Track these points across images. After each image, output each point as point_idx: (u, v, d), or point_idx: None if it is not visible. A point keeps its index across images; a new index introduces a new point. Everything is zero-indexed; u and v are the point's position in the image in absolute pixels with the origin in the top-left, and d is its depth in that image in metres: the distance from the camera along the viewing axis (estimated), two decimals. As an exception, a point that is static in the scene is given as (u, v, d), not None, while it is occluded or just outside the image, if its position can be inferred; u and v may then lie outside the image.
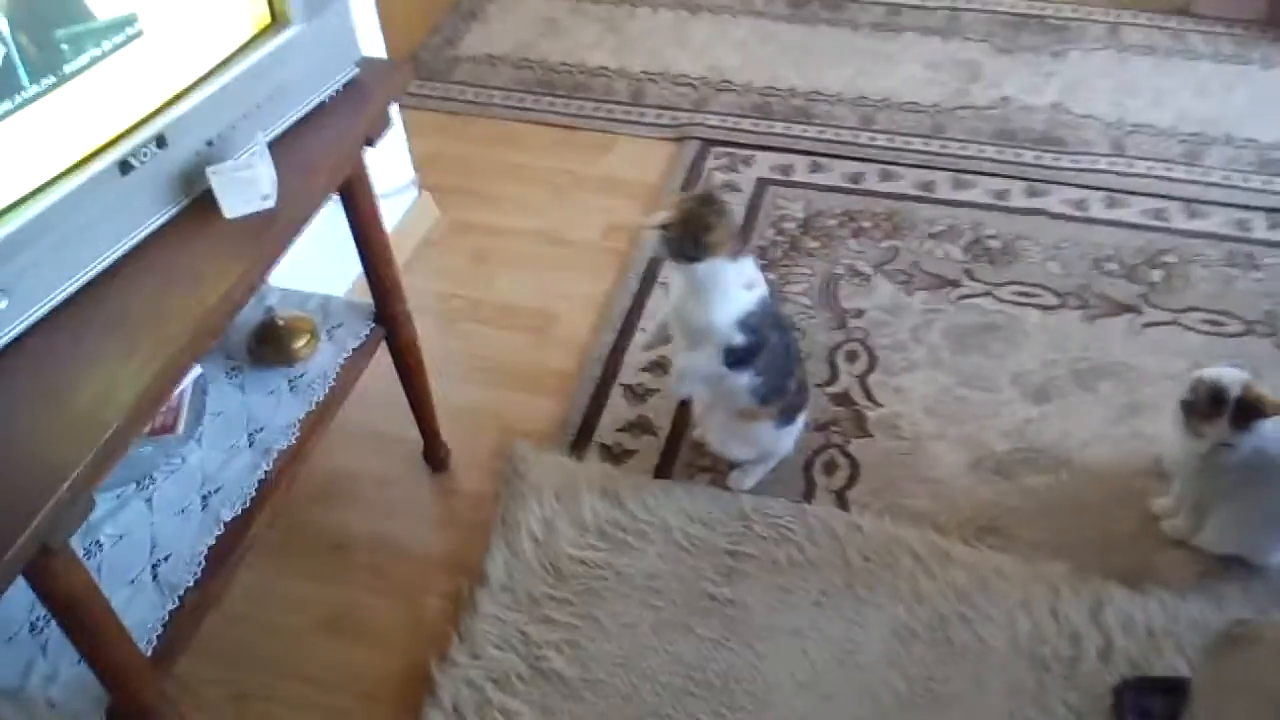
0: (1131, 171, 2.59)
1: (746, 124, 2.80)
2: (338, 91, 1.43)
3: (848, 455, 1.96)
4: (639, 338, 2.20)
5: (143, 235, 1.21)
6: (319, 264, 1.90)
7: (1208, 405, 1.57)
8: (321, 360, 1.63)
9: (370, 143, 1.44)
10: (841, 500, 1.89)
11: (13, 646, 1.29)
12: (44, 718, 1.24)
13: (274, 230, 1.25)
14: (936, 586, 1.73)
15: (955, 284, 2.29)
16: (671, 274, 1.76)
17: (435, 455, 1.94)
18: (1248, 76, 2.89)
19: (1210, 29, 3.07)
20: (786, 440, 1.88)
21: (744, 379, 1.71)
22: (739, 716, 1.59)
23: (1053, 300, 2.25)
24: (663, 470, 1.95)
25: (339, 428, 2.03)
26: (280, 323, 1.62)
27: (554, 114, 2.86)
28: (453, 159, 2.69)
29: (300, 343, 1.61)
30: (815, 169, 2.64)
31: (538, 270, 2.39)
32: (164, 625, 1.30)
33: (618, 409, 2.07)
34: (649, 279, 2.33)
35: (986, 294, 2.27)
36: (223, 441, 1.52)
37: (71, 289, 1.15)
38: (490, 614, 1.71)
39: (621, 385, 2.11)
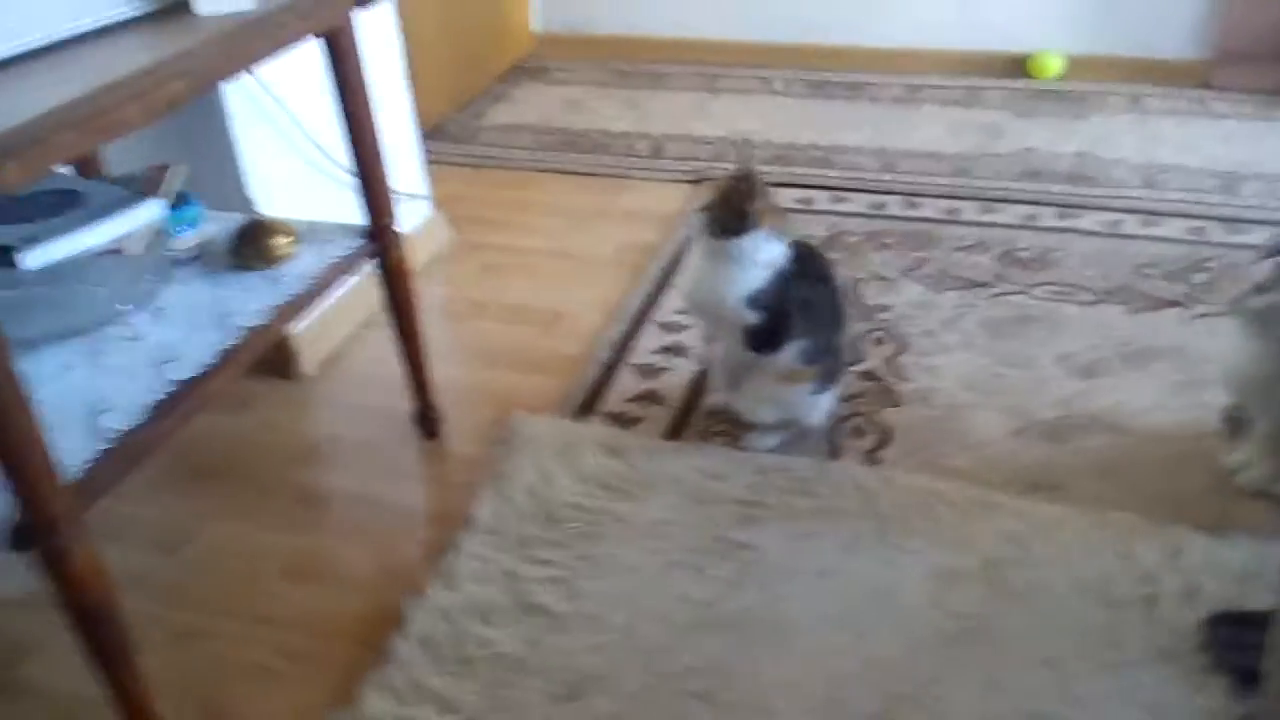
0: (1165, 199, 2.50)
1: (765, 169, 2.77)
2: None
3: (876, 422, 1.78)
4: (652, 328, 2.07)
5: (109, 20, 1.15)
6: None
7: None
8: (302, 263, 1.53)
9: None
10: (871, 461, 1.70)
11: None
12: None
13: (245, 31, 1.18)
14: (983, 532, 1.51)
15: (987, 285, 2.17)
16: (694, 257, 1.65)
17: (426, 417, 1.78)
18: (1275, 129, 2.85)
19: (1232, 98, 3.06)
20: (819, 406, 1.71)
21: (785, 352, 1.60)
22: (758, 651, 1.34)
23: (1091, 297, 2.11)
24: (673, 435, 1.78)
25: (327, 397, 1.93)
26: (262, 220, 1.53)
27: (573, 165, 2.86)
28: (471, 197, 2.67)
29: (281, 240, 1.51)
30: (838, 200, 2.58)
31: (549, 279, 2.30)
32: (89, 463, 1.14)
33: (626, 384, 1.92)
34: (664, 283, 2.23)
35: (1021, 292, 2.14)
36: (186, 323, 1.40)
37: (19, 48, 1.07)
38: (473, 553, 1.51)
39: (631, 365, 1.97)
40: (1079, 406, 1.79)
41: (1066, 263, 2.24)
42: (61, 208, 1.24)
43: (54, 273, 1.21)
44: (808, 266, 1.61)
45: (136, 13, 1.17)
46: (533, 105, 3.28)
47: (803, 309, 1.59)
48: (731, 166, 1.60)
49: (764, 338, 1.59)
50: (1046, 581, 1.43)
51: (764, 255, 1.56)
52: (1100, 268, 2.21)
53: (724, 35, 3.51)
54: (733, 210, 1.55)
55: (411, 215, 2.33)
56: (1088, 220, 2.41)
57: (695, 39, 3.54)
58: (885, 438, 1.74)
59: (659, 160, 2.86)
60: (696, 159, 2.84)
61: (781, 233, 1.58)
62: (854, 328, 1.93)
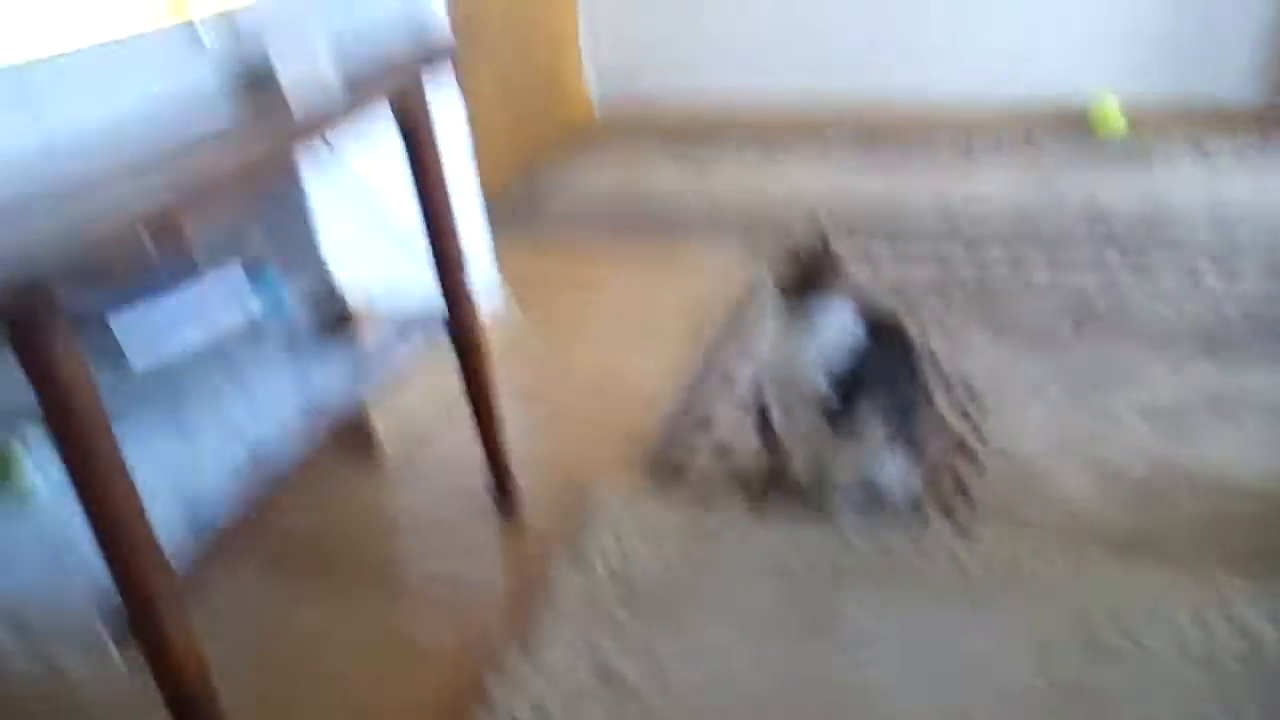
0: (1241, 245, 2.45)
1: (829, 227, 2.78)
2: (405, 26, 1.45)
3: (960, 484, 1.75)
4: (723, 393, 2.07)
5: (202, 111, 1.20)
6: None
7: None
8: (384, 345, 1.56)
9: (431, 62, 1.43)
10: (957, 524, 1.66)
11: (27, 569, 1.17)
12: (42, 631, 1.09)
13: (327, 100, 1.23)
14: (1077, 594, 1.47)
15: (1061, 339, 2.13)
16: (767, 324, 1.69)
17: (505, 493, 1.79)
18: (1351, 170, 2.79)
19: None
20: (900, 473, 1.68)
21: (861, 412, 1.59)
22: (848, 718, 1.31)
23: (1173, 348, 2.06)
24: (752, 505, 1.76)
25: (407, 478, 1.95)
26: (343, 300, 1.57)
27: (636, 234, 2.90)
28: (536, 270, 2.71)
29: (362, 320, 1.55)
30: (902, 258, 2.57)
31: (617, 349, 2.32)
32: (187, 546, 1.16)
33: (703, 453, 1.91)
34: (733, 349, 2.23)
35: (1097, 345, 2.10)
36: (272, 401, 1.43)
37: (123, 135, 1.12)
38: (555, 628, 1.50)
39: (705, 433, 1.96)
40: (1168, 462, 1.74)
41: (1143, 314, 2.20)
42: (164, 295, 1.28)
43: (148, 352, 1.25)
44: (881, 332, 1.60)
45: (226, 84, 1.22)
46: (593, 174, 3.34)
47: (876, 375, 1.58)
48: (800, 231, 1.60)
49: (838, 405, 1.58)
50: (1147, 644, 1.38)
51: (836, 319, 1.57)
52: (1180, 318, 2.16)
53: (780, 98, 3.55)
54: (805, 273, 1.57)
55: (480, 293, 2.36)
56: (1161, 269, 2.37)
57: (751, 104, 3.59)
58: (970, 500, 1.71)
59: (720, 225, 2.88)
60: (758, 223, 2.86)
61: (852, 296, 1.58)
62: (931, 390, 1.89)
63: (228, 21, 1.20)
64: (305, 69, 1.21)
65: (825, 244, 1.60)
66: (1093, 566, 1.51)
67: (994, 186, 2.92)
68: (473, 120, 2.35)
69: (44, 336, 0.93)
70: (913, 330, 1.72)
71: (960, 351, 2.12)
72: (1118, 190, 2.80)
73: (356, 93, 1.27)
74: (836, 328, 1.57)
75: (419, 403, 2.08)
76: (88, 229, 0.92)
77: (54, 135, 1.07)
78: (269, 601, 1.67)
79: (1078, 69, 3.23)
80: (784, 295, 1.59)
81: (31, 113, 1.04)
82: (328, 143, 1.19)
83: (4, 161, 1.04)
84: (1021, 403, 1.94)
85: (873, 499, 1.68)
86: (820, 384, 1.57)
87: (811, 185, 3.07)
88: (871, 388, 1.58)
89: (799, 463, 1.74)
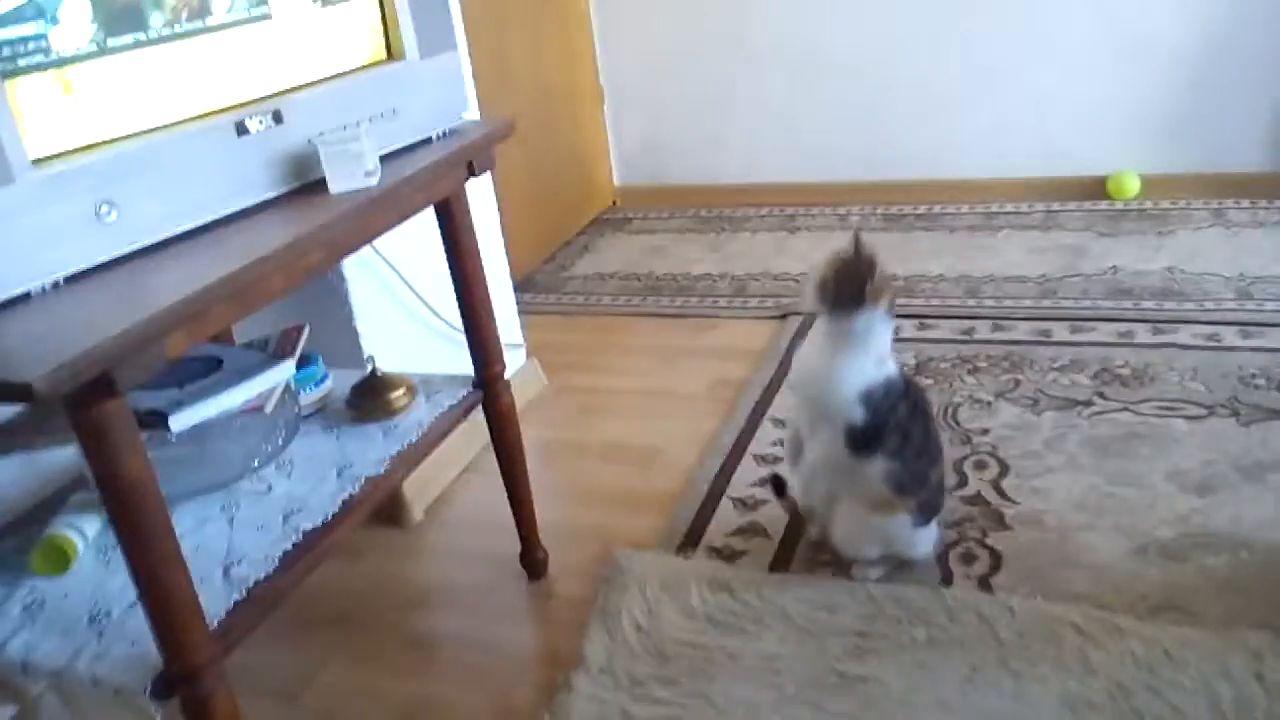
0: (1264, 310, 2.47)
1: (850, 300, 2.82)
2: (445, 133, 1.52)
3: (987, 546, 1.76)
4: (748, 461, 2.09)
5: (251, 201, 1.26)
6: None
7: None
8: (417, 414, 1.60)
9: (473, 171, 1.51)
10: (985, 587, 1.66)
11: (67, 637, 1.20)
12: (86, 696, 1.12)
13: (373, 206, 1.29)
14: (1111, 659, 1.46)
15: (1087, 404, 2.15)
16: (808, 341, 1.66)
17: (532, 558, 1.82)
18: (1371, 235, 2.81)
19: (1320, 206, 3.04)
20: (923, 542, 1.69)
21: (877, 465, 1.59)
22: (882, 790, 1.31)
23: (1200, 411, 2.07)
24: (778, 567, 1.77)
25: (435, 543, 1.98)
26: (379, 375, 1.61)
27: (659, 309, 2.95)
28: (562, 344, 2.76)
29: (397, 393, 1.60)
30: (924, 328, 2.60)
31: (643, 417, 2.36)
32: (228, 613, 1.19)
33: (726, 518, 1.93)
34: (758, 415, 2.26)
35: (1124, 409, 2.11)
36: (311, 475, 1.47)
37: (177, 229, 1.19)
38: (587, 693, 1.51)
39: (730, 498, 1.98)
40: (1197, 523, 1.74)
41: (1167, 378, 2.21)
42: (203, 372, 1.34)
43: (197, 433, 1.29)
44: (908, 392, 1.62)
45: (277, 193, 1.28)
46: (617, 253, 3.41)
47: (899, 430, 1.58)
48: (843, 245, 1.57)
49: (864, 438, 1.57)
50: (1181, 707, 1.37)
51: (878, 335, 1.55)
52: (1204, 381, 2.17)
53: (798, 177, 3.63)
54: (848, 284, 1.52)
55: (508, 363, 2.41)
56: (1184, 334, 2.39)
57: (771, 183, 3.66)
58: (997, 563, 1.71)
59: (742, 299, 2.93)
60: (780, 296, 2.90)
61: (894, 313, 1.56)
62: (948, 459, 1.87)
63: (271, 109, 1.27)
64: (352, 169, 1.27)
65: (868, 254, 1.55)
66: (1125, 630, 1.50)
67: (1015, 258, 2.96)
68: (501, 200, 2.43)
69: (106, 424, 0.97)
70: (930, 395, 1.73)
71: (984, 414, 2.14)
72: (1139, 258, 2.83)
73: (404, 197, 1.34)
74: (877, 355, 1.56)
75: (445, 467, 2.12)
76: (141, 324, 0.98)
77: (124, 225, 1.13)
78: (299, 663, 1.69)
79: (1099, 144, 3.28)
80: (828, 302, 1.54)
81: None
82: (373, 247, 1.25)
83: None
84: (1046, 464, 1.95)
85: (894, 565, 1.69)
86: (856, 413, 1.55)
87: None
88: (892, 432, 1.57)
89: (813, 519, 1.75)
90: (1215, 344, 2.33)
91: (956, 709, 1.42)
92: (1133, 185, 3.24)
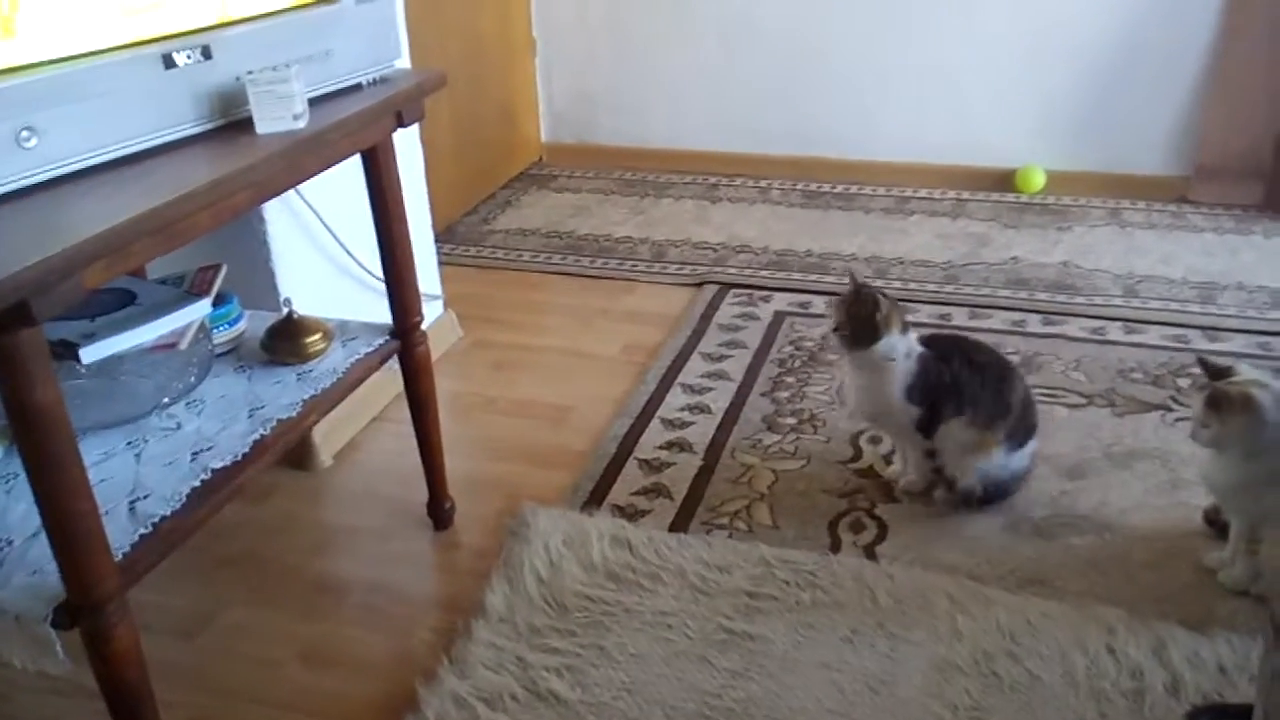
0: (1147, 308, 2.62)
1: (764, 273, 2.90)
2: (375, 80, 1.52)
3: (875, 517, 1.85)
4: (657, 424, 2.16)
5: (176, 135, 1.26)
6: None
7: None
8: (332, 360, 1.62)
9: (401, 121, 1.51)
10: (870, 555, 1.76)
11: (-33, 565, 1.19)
12: (-16, 622, 1.12)
13: (299, 149, 1.29)
14: (978, 626, 1.57)
15: (978, 387, 2.26)
16: (848, 374, 1.88)
17: (439, 508, 1.85)
18: (1252, 243, 2.99)
19: (1209, 212, 3.21)
20: (1018, 463, 1.82)
21: (951, 427, 1.77)
22: (761, 740, 1.39)
23: (1079, 400, 2.20)
24: (678, 527, 1.84)
25: (343, 489, 2.00)
26: (295, 318, 1.62)
27: (579, 268, 2.98)
28: (480, 297, 2.78)
29: (313, 338, 1.61)
30: (830, 303, 2.68)
31: (556, 376, 2.39)
32: (133, 546, 1.20)
33: (632, 477, 1.99)
34: (669, 380, 2.32)
35: (1010, 395, 2.22)
36: (222, 414, 1.48)
37: (100, 158, 1.17)
38: (485, 640, 1.56)
39: (637, 459, 2.04)
40: (1066, 505, 1.87)
41: (1053, 367, 2.34)
42: (117, 306, 1.33)
43: (107, 366, 1.29)
44: (952, 349, 1.79)
45: (203, 129, 1.28)
46: (540, 210, 3.42)
47: (954, 385, 1.75)
48: (846, 287, 1.81)
49: (928, 422, 1.78)
50: (1039, 674, 1.48)
51: (901, 352, 1.74)
52: (1086, 372, 2.31)
53: (724, 147, 3.68)
54: (860, 323, 1.74)
55: (425, 314, 2.42)
56: (1072, 327, 2.52)
57: (696, 150, 3.70)
58: (883, 532, 1.81)
59: (661, 264, 2.98)
60: (697, 264, 2.96)
61: (909, 327, 1.77)
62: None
63: (200, 43, 1.26)
64: (280, 111, 1.27)
65: (869, 291, 1.75)
66: (994, 601, 1.61)
67: (923, 242, 3.06)
68: (426, 147, 2.42)
69: (20, 352, 0.97)
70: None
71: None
72: (1038, 251, 2.96)
73: (331, 143, 1.34)
74: (904, 370, 1.75)
75: (354, 414, 2.12)
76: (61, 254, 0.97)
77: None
78: (200, 601, 1.70)
79: (1010, 137, 3.40)
80: (849, 344, 1.76)
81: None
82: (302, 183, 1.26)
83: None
84: (937, 445, 2.05)
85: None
86: (911, 412, 1.77)
87: (749, 231, 3.18)
88: (949, 398, 1.75)
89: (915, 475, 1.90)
90: (1100, 338, 2.47)
91: (836, 667, 1.51)
92: (1038, 180, 3.37)
